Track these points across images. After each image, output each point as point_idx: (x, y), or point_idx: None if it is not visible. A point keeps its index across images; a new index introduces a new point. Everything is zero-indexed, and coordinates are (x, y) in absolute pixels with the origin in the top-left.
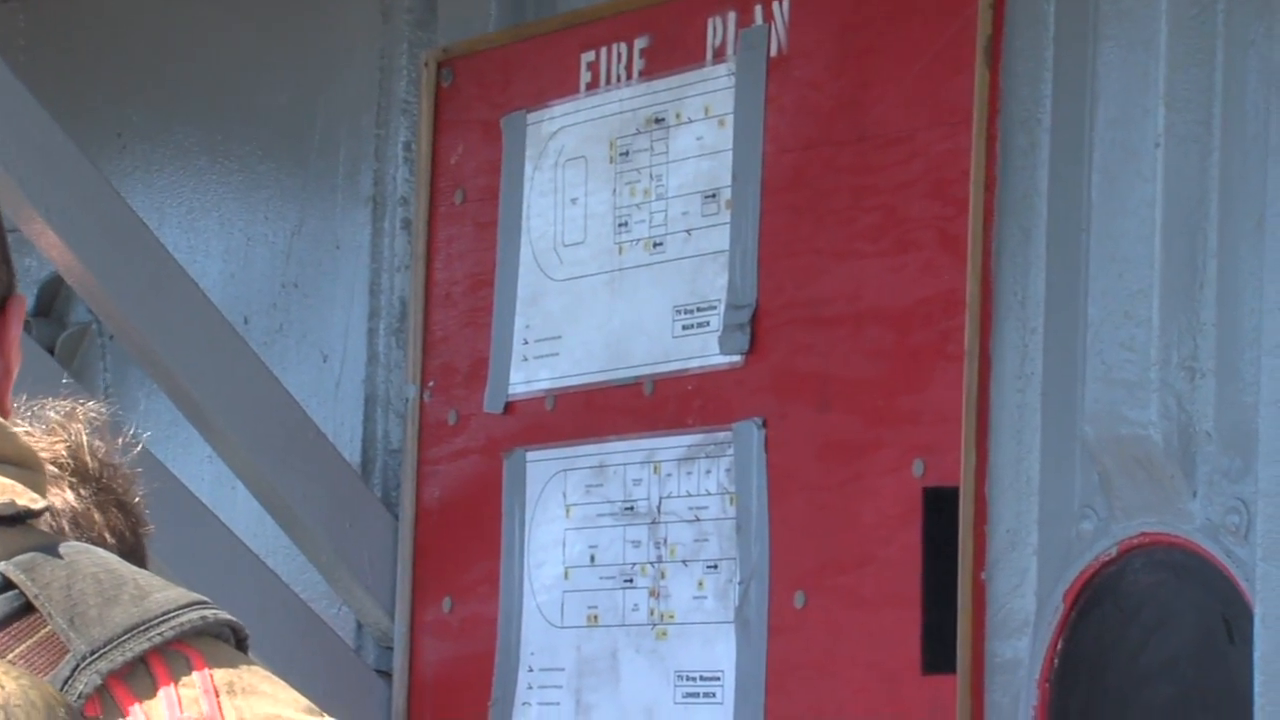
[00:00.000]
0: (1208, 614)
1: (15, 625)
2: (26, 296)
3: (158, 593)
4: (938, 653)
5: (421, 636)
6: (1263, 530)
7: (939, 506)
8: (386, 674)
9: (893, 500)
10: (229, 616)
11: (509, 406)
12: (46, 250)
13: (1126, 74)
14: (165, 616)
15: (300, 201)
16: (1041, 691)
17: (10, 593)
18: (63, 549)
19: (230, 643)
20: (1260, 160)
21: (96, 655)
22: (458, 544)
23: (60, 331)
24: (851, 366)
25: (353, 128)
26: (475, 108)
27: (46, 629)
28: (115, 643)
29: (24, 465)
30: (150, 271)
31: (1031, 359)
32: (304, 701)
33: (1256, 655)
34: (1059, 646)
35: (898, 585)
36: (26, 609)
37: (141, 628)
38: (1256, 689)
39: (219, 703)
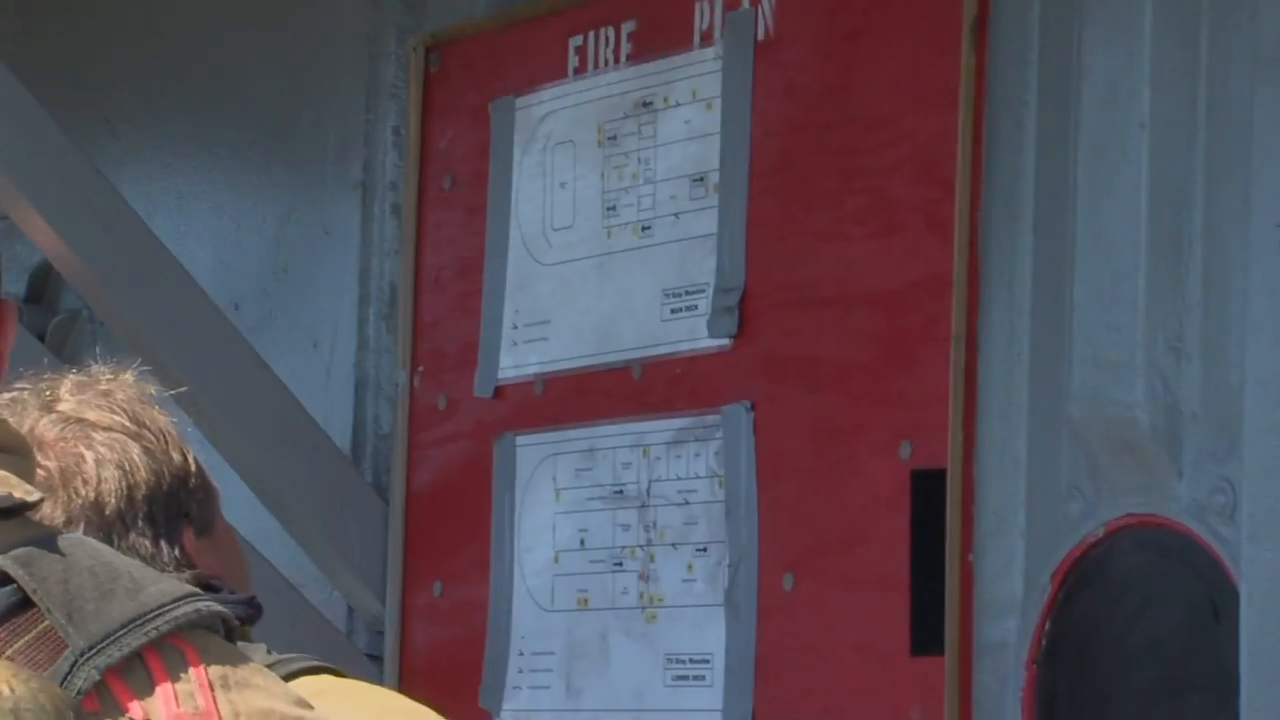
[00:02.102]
0: (1194, 594)
1: (14, 620)
2: (17, 294)
3: (151, 586)
4: (926, 634)
5: (412, 621)
6: (1248, 511)
7: (927, 488)
8: (377, 658)
9: (881, 482)
10: (220, 608)
11: (499, 391)
12: (36, 237)
13: (1112, 55)
14: (160, 610)
15: (290, 187)
16: (1029, 672)
17: (8, 587)
18: (59, 542)
19: (220, 633)
20: (1245, 141)
21: (94, 651)
22: (448, 528)
23: (51, 318)
24: (839, 349)
25: (341, 113)
26: (463, 93)
27: (44, 624)
28: (112, 638)
29: (13, 451)
30: (140, 258)
31: (1019, 341)
32: (295, 694)
33: (1243, 635)
34: (1046, 628)
35: (886, 567)
36: (24, 604)
37: (137, 622)
38: (1243, 669)
39: (213, 697)
